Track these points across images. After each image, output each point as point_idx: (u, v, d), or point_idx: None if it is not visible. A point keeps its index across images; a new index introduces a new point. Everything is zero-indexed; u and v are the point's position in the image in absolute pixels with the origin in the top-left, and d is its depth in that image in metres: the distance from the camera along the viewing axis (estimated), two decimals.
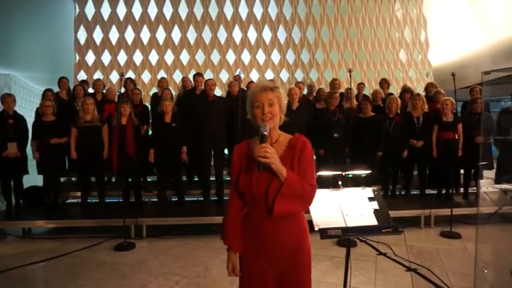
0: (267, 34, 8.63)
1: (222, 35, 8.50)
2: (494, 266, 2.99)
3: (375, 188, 2.26)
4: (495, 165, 5.20)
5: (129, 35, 8.25)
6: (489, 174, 5.46)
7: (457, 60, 9.48)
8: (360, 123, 5.18)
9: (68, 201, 5.72)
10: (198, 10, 8.43)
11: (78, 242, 4.29)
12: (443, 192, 5.34)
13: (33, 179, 5.21)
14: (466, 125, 5.10)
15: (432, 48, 9.17)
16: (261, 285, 1.58)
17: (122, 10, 8.24)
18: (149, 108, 6.10)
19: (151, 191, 5.48)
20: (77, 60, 8.10)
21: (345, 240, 2.24)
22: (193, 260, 3.75)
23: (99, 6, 8.14)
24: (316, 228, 1.94)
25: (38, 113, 5.14)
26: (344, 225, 2.01)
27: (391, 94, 6.31)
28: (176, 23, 8.36)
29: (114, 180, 5.85)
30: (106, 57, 8.18)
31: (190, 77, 6.39)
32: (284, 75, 8.70)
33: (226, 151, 5.44)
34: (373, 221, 2.05)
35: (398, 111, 5.26)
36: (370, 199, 2.15)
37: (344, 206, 2.11)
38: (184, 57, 8.37)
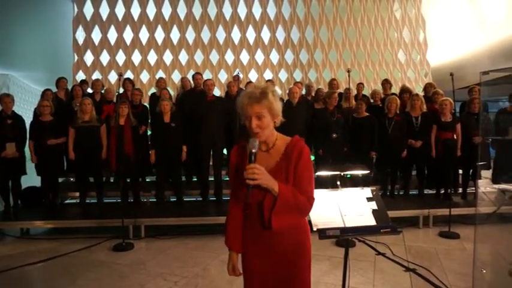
0: (265, 34, 8.63)
1: (220, 35, 8.50)
2: (492, 266, 2.99)
3: (374, 188, 2.26)
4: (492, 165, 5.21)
5: (128, 35, 8.25)
6: (487, 174, 5.47)
7: (456, 60, 9.49)
8: (355, 123, 5.20)
9: (66, 201, 5.72)
10: (197, 10, 8.43)
11: (76, 242, 4.28)
12: (442, 192, 5.34)
13: (31, 179, 5.20)
14: (464, 125, 5.11)
15: (431, 48, 9.19)
16: (260, 285, 1.58)
17: (120, 10, 8.23)
18: (148, 109, 6.10)
19: (149, 191, 5.47)
20: (76, 60, 8.09)
21: (344, 241, 2.24)
22: (191, 260, 3.74)
23: (97, 6, 8.13)
24: (315, 229, 1.94)
25: (36, 113, 5.13)
26: (343, 226, 2.01)
27: (392, 94, 6.31)
28: (175, 23, 8.35)
29: (112, 181, 5.84)
30: (104, 58, 8.17)
31: (189, 77, 6.39)
32: (283, 75, 8.71)
33: (225, 151, 5.43)
34: (371, 221, 2.05)
35: (398, 111, 5.27)
36: (369, 199, 2.15)
37: (343, 206, 2.11)
38: (183, 57, 8.37)
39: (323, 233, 1.94)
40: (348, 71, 5.13)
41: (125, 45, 8.20)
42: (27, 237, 4.60)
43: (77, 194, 5.22)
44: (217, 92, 7.39)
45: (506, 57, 8.08)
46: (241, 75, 6.83)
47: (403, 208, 4.87)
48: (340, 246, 3.97)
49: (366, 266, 3.52)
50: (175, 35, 8.36)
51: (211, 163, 5.33)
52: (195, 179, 5.88)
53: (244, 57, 8.58)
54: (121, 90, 5.54)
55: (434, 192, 5.46)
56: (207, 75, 8.02)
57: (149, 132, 5.53)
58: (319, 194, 2.11)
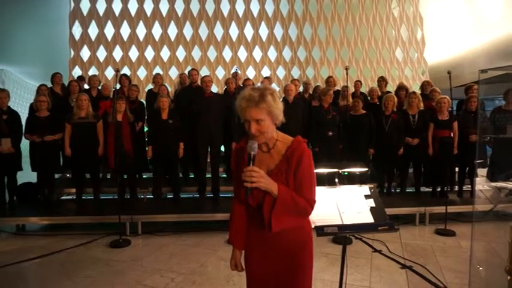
0: (263, 31, 8.62)
1: (218, 31, 8.48)
2: (488, 263, 3.01)
3: (372, 186, 2.26)
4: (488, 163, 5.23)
5: (125, 30, 8.20)
6: (483, 172, 5.50)
7: (453, 58, 9.53)
8: (352, 121, 5.21)
9: (62, 197, 5.68)
10: (195, 6, 8.39)
11: (72, 238, 4.26)
12: (438, 190, 5.37)
13: (27, 175, 5.17)
14: (461, 123, 5.13)
15: (428, 46, 9.20)
16: (261, 284, 1.58)
17: (117, 5, 8.18)
18: (145, 105, 6.07)
19: (146, 187, 5.46)
20: (72, 55, 8.04)
21: (341, 238, 2.25)
22: (188, 257, 3.74)
23: (94, 1, 8.08)
24: (313, 226, 1.94)
25: (32, 108, 5.08)
26: (340, 223, 2.01)
27: (388, 92, 6.32)
28: (172, 19, 8.31)
29: (109, 177, 5.81)
30: (101, 53, 8.12)
31: (186, 73, 6.36)
32: (280, 72, 8.70)
33: (222, 148, 5.42)
34: (369, 219, 2.06)
35: (395, 109, 5.28)
36: (367, 197, 2.16)
37: (340, 203, 2.11)
38: (181, 53, 8.34)
39: (321, 230, 1.95)
40: (346, 69, 5.13)
41: (122, 41, 8.15)
42: (22, 234, 4.58)
43: (73, 190, 5.19)
44: (214, 88, 7.37)
45: (502, 56, 8.12)
46: (239, 72, 6.81)
47: (400, 206, 4.89)
48: (337, 243, 3.99)
49: (362, 263, 3.54)
50: (172, 31, 8.33)
51: (208, 160, 5.32)
52: (192, 176, 5.87)
53: (242, 54, 8.56)
54: (118, 86, 5.50)
55: (431, 190, 5.48)
56: (204, 71, 8.01)
57: (146, 129, 5.50)
58: (317, 191, 2.11)
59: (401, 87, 6.21)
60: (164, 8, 8.31)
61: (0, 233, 4.53)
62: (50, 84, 5.84)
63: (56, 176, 5.45)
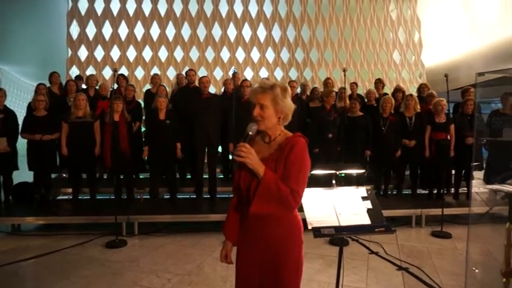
0: (261, 32, 8.62)
1: (216, 32, 8.47)
2: (484, 265, 3.03)
3: (369, 187, 2.26)
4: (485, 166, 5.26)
5: (123, 30, 8.18)
6: (479, 174, 5.52)
7: (450, 61, 9.56)
8: (349, 122, 5.22)
9: (58, 197, 5.66)
10: (193, 7, 8.38)
11: (68, 239, 4.24)
12: (435, 192, 5.39)
13: (23, 174, 5.14)
14: (457, 126, 5.16)
15: (425, 49, 9.24)
16: (246, 277, 1.61)
17: (115, 5, 8.16)
18: (142, 105, 6.06)
19: (143, 188, 5.44)
20: (69, 55, 8.01)
21: (338, 239, 2.25)
22: (185, 258, 3.73)
23: (92, 1, 8.06)
24: (310, 227, 1.95)
25: (30, 108, 5.06)
26: (337, 224, 2.01)
27: (385, 94, 6.34)
28: (170, 20, 8.30)
29: (105, 177, 5.79)
30: (99, 53, 8.10)
31: (184, 74, 6.35)
32: (278, 73, 8.70)
33: (220, 149, 5.41)
34: (366, 220, 2.06)
35: (392, 111, 5.30)
36: (364, 198, 2.16)
37: (337, 205, 2.11)
38: (178, 54, 8.33)
39: (318, 232, 1.94)
40: (344, 71, 5.14)
41: (120, 41, 8.13)
42: (18, 233, 4.56)
43: (70, 190, 5.16)
44: (212, 89, 7.36)
45: (499, 59, 8.16)
46: (238, 73, 6.80)
47: (396, 207, 4.91)
48: (334, 244, 3.99)
49: (359, 264, 3.54)
50: (170, 31, 8.32)
51: (205, 161, 5.31)
52: (189, 177, 5.86)
53: (240, 55, 8.55)
54: (115, 86, 5.49)
55: (427, 192, 5.51)
56: (202, 72, 8.01)
57: (143, 129, 5.48)
58: (314, 192, 2.12)
59: (398, 90, 6.23)
60: (162, 8, 8.30)
61: None
62: (47, 84, 5.82)
63: (53, 175, 5.42)
